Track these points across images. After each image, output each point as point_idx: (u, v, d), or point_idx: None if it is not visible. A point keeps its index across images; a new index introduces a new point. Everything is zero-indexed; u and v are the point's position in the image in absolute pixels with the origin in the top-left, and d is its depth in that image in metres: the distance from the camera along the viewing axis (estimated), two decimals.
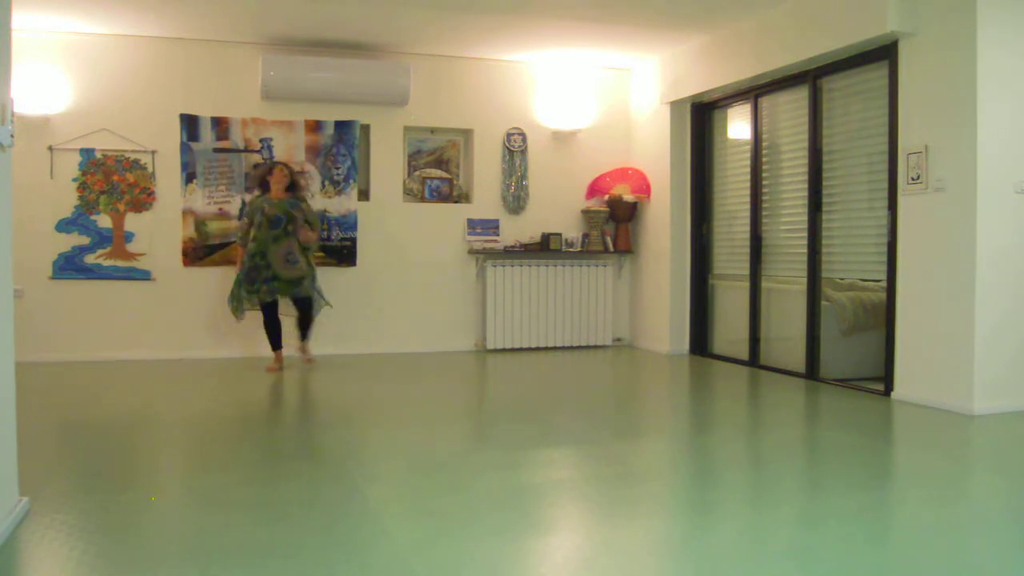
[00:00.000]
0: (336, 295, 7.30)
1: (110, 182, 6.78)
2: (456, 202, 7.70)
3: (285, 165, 6.48)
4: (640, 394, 6.02)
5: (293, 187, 6.40)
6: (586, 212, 7.84)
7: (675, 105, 7.44)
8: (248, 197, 6.72)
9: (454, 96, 7.58)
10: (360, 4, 6.08)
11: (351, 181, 7.29)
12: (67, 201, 6.71)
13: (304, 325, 6.50)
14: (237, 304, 6.28)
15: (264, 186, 6.36)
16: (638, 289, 8.00)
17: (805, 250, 6.12)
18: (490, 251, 7.60)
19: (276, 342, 6.44)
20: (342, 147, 7.26)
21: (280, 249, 6.21)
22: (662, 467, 3.94)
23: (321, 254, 7.22)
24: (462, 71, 7.58)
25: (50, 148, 6.67)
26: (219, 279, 7.03)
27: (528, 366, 6.88)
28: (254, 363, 6.79)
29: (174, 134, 6.91)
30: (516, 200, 7.73)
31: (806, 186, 6.11)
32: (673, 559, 2.71)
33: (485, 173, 7.71)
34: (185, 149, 6.94)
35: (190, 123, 6.94)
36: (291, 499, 3.22)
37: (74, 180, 6.72)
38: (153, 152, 6.88)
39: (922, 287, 5.06)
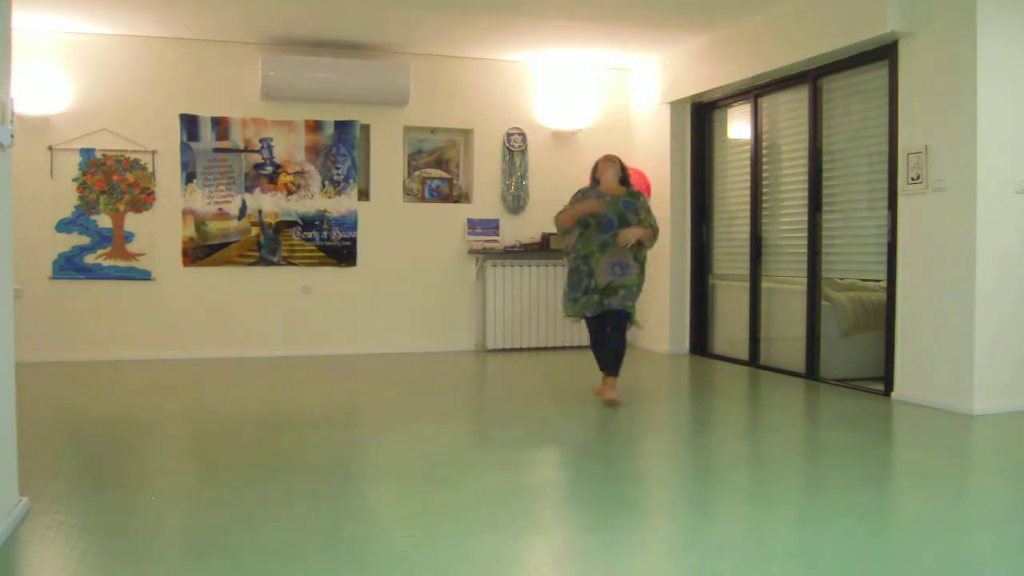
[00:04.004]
0: (336, 295, 7.31)
1: (110, 182, 6.78)
2: (456, 202, 7.70)
3: (614, 157, 5.40)
4: (640, 394, 6.01)
5: (625, 180, 5.30)
6: None
7: (675, 105, 7.44)
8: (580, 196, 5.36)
9: (454, 96, 7.58)
10: (360, 4, 6.08)
11: (351, 181, 7.30)
12: (67, 201, 6.71)
13: (611, 352, 5.13)
14: (571, 306, 5.23)
15: (595, 178, 5.34)
16: None
17: (805, 250, 6.11)
18: (490, 251, 7.59)
19: (604, 363, 5.18)
20: (342, 147, 7.26)
21: (606, 257, 5.06)
22: (662, 467, 3.94)
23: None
24: (462, 71, 7.58)
25: (50, 148, 6.66)
26: (220, 279, 7.04)
27: (528, 366, 6.88)
28: (254, 363, 6.79)
29: (174, 134, 6.91)
30: (516, 200, 7.73)
31: (806, 186, 6.11)
32: (673, 558, 2.71)
33: (485, 173, 7.71)
34: (185, 149, 6.94)
35: (190, 123, 6.94)
36: (291, 498, 3.22)
37: (74, 180, 6.72)
38: (153, 152, 6.88)
39: (922, 287, 5.06)
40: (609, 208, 5.07)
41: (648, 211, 5.18)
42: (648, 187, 7.74)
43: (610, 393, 5.05)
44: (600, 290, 5.03)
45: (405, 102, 7.24)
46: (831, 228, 5.96)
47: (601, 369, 5.17)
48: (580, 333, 7.76)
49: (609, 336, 5.09)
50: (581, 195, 5.26)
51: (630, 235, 5.03)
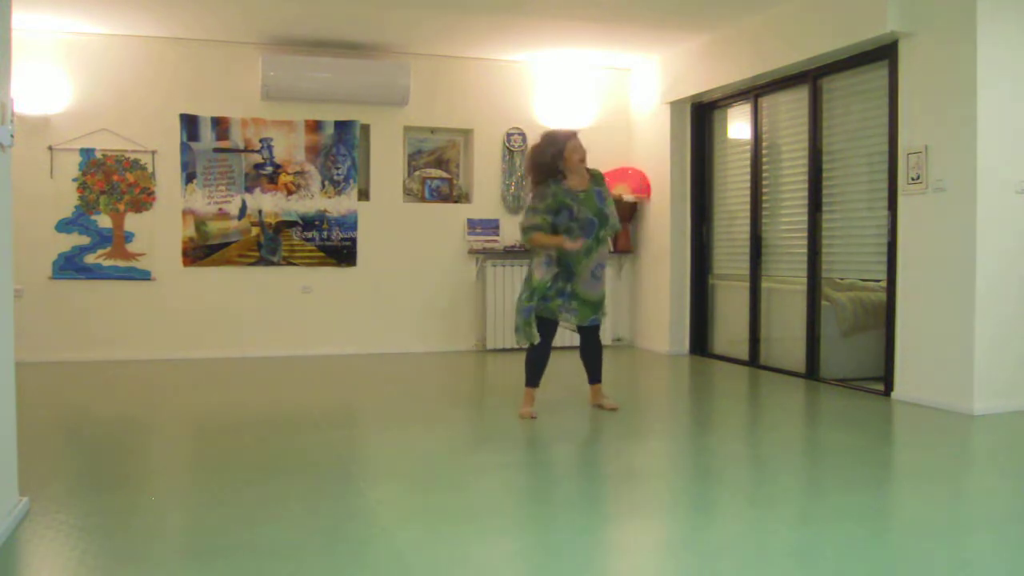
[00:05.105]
0: (336, 295, 7.31)
1: (110, 182, 6.78)
2: (456, 202, 7.70)
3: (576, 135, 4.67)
4: (640, 394, 6.02)
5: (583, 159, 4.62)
6: None
7: (675, 105, 7.44)
8: (534, 190, 4.67)
9: (454, 96, 7.58)
10: (360, 4, 6.08)
11: (351, 181, 7.29)
12: (67, 201, 6.71)
13: (596, 361, 4.88)
14: (527, 326, 4.59)
15: (555, 170, 4.52)
16: (638, 289, 8.00)
17: (805, 250, 6.11)
18: (490, 251, 7.59)
19: (538, 376, 4.72)
20: (342, 147, 7.26)
21: (590, 262, 4.57)
22: (662, 467, 3.94)
23: (313, 255, 7.24)
24: (462, 71, 7.58)
25: (50, 148, 6.66)
26: (220, 279, 7.04)
27: None
28: (254, 363, 6.79)
29: (174, 134, 6.91)
30: (516, 200, 7.72)
31: (806, 186, 6.11)
32: (674, 558, 2.71)
33: (485, 173, 7.71)
34: (185, 149, 6.94)
35: (190, 123, 6.94)
36: (291, 498, 3.22)
37: (74, 180, 6.72)
38: (153, 152, 6.88)
39: (922, 287, 5.06)
40: (588, 207, 4.51)
41: (613, 207, 4.66)
42: (648, 187, 7.75)
43: (607, 400, 4.89)
44: (582, 300, 4.57)
45: (405, 102, 7.24)
46: (831, 228, 5.96)
47: (529, 383, 4.70)
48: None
49: (593, 345, 4.81)
50: (552, 197, 4.50)
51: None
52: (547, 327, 4.64)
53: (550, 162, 4.53)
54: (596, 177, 4.65)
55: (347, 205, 7.29)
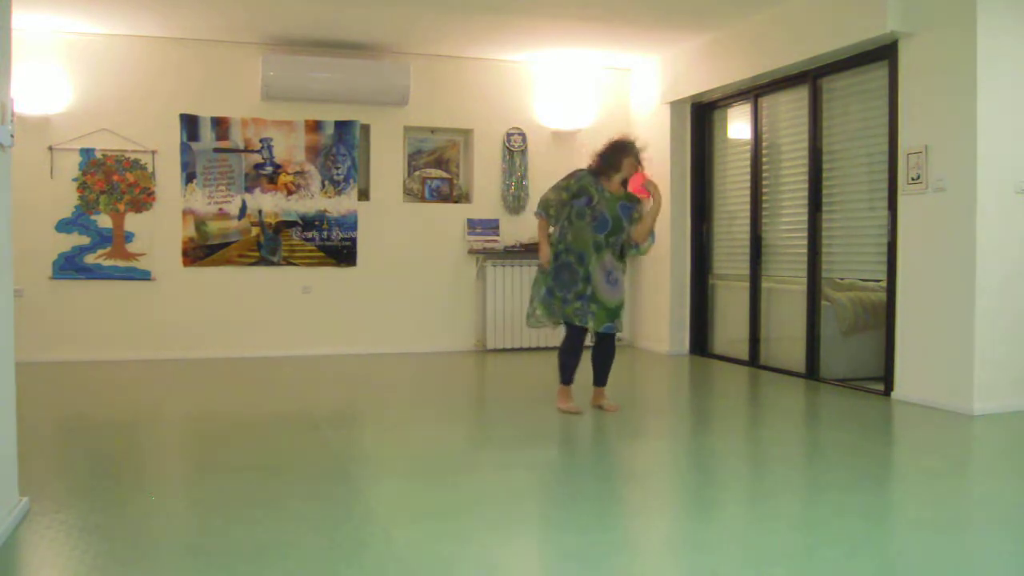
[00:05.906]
0: (336, 295, 7.31)
1: (110, 182, 6.78)
2: (456, 202, 7.70)
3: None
4: (640, 394, 6.02)
5: (625, 183, 4.91)
6: None
7: (675, 105, 7.44)
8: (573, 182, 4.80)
9: (454, 96, 7.58)
10: (360, 4, 6.08)
11: (351, 181, 7.30)
12: (67, 201, 6.71)
13: (605, 366, 4.92)
14: (545, 312, 4.75)
15: (609, 164, 4.79)
16: (638, 289, 8.00)
17: (805, 250, 6.11)
18: (490, 251, 7.59)
19: (571, 374, 4.84)
20: (342, 147, 7.26)
21: (602, 261, 4.68)
22: (662, 466, 3.94)
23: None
24: (462, 71, 7.58)
25: (50, 148, 6.66)
26: (220, 279, 7.04)
27: (528, 366, 6.87)
28: (254, 363, 6.79)
29: (174, 134, 6.91)
30: (516, 200, 7.72)
31: (806, 186, 6.11)
32: (673, 558, 2.71)
33: (485, 173, 7.71)
34: (185, 149, 6.94)
35: (190, 123, 6.94)
36: (291, 499, 3.22)
37: (74, 180, 6.72)
38: (153, 152, 6.88)
39: (922, 287, 5.06)
40: (608, 206, 4.68)
41: (636, 219, 4.84)
42: None
43: (607, 402, 4.89)
44: (601, 304, 4.64)
45: (405, 102, 7.24)
46: (831, 228, 5.96)
47: (563, 381, 4.83)
48: None
49: (606, 351, 4.86)
50: (577, 181, 4.75)
51: (646, 226, 4.81)
52: (575, 329, 4.78)
53: (610, 157, 4.80)
54: (631, 196, 4.88)
55: (347, 205, 7.29)
